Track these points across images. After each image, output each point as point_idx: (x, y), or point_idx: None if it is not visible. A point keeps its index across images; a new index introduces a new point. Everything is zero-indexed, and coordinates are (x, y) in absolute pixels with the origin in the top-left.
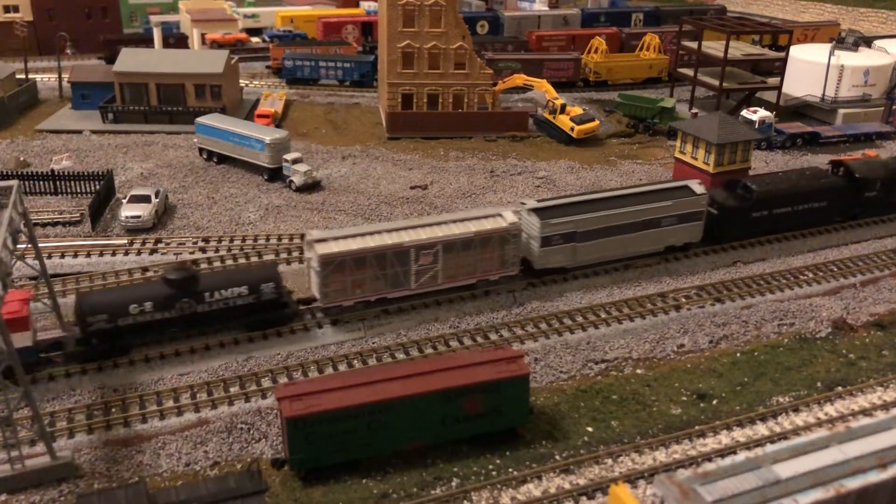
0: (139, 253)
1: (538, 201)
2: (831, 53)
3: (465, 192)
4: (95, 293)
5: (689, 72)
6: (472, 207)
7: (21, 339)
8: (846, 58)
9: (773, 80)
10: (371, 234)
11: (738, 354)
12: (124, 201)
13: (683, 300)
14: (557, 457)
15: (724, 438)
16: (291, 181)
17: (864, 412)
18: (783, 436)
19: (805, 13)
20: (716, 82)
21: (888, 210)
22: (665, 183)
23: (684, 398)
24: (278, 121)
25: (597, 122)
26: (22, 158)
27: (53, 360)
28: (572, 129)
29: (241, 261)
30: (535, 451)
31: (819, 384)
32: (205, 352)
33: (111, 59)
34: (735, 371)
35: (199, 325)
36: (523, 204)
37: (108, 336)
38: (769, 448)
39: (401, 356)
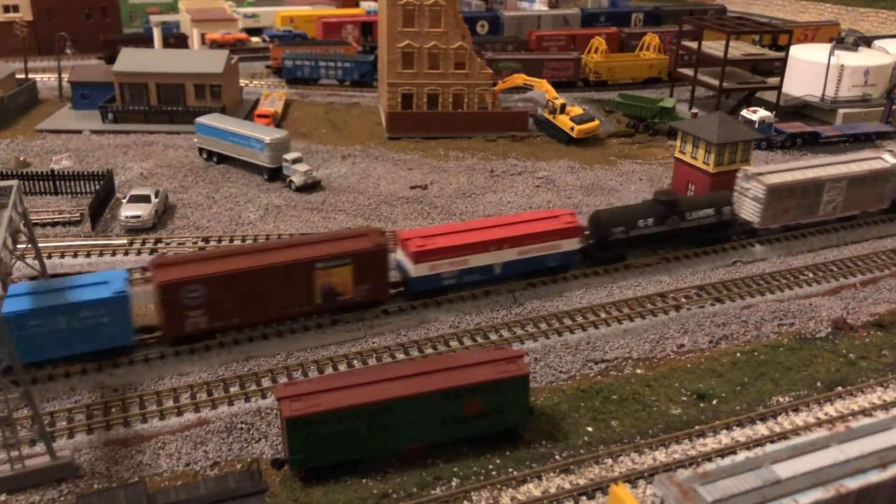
0: (139, 253)
1: None
2: (831, 53)
3: (465, 191)
4: (609, 211)
5: (689, 72)
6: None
7: (570, 245)
8: (846, 58)
9: (773, 80)
10: (793, 169)
11: (738, 354)
12: (124, 201)
13: (683, 300)
14: (557, 457)
15: (724, 438)
16: (291, 181)
17: (864, 412)
18: (783, 436)
19: (805, 13)
20: (716, 82)
21: None
22: None
23: (684, 398)
24: (278, 121)
25: (597, 122)
26: (22, 158)
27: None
28: (572, 128)
29: None
30: (535, 451)
31: (819, 384)
32: (205, 352)
33: (111, 59)
34: (735, 371)
35: (677, 239)
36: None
37: (621, 245)
38: (769, 448)
39: (401, 356)
